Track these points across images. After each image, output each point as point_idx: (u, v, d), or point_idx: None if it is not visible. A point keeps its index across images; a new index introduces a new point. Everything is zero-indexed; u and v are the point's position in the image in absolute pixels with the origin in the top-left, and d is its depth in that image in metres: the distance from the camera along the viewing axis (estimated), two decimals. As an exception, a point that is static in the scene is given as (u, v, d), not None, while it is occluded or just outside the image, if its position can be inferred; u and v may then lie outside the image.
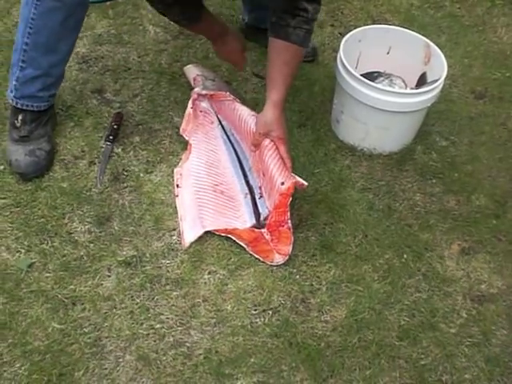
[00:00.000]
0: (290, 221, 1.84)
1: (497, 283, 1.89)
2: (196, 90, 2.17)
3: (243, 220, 1.96)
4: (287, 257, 1.85)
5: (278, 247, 1.87)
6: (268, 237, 1.89)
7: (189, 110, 2.14)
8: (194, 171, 2.05)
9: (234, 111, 2.12)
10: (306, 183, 1.87)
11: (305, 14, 1.75)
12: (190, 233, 1.90)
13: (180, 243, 1.88)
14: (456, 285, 1.87)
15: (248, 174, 2.07)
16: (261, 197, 2.00)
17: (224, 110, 2.19)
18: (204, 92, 2.17)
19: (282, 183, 1.82)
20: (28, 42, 1.91)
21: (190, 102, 2.15)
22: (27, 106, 2.02)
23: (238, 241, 1.88)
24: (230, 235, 1.89)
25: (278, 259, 1.86)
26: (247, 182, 2.05)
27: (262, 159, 1.94)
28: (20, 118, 2.02)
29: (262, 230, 1.90)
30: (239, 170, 2.09)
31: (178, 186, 2.02)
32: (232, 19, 2.71)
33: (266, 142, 1.94)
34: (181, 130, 2.15)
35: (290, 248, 1.85)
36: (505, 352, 1.74)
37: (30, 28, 1.88)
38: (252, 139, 2.00)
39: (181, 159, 2.11)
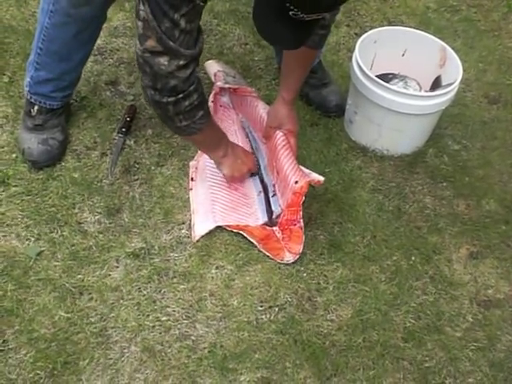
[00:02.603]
0: (301, 220, 1.84)
1: (504, 289, 1.89)
2: (218, 84, 2.18)
3: (255, 217, 1.97)
4: (298, 256, 1.85)
5: (289, 246, 1.87)
6: (279, 235, 1.89)
7: (209, 103, 2.14)
8: (209, 165, 2.05)
9: (255, 108, 2.13)
10: (322, 179, 1.89)
11: (322, 20, 1.73)
12: (201, 226, 1.90)
13: (189, 237, 1.88)
14: (463, 289, 1.87)
15: (263, 171, 2.08)
16: (274, 195, 2.00)
17: (244, 107, 2.20)
18: (227, 86, 2.17)
19: (296, 182, 1.82)
20: (42, 47, 1.92)
21: (212, 95, 2.16)
22: (40, 102, 2.03)
23: (249, 237, 1.88)
24: (241, 231, 1.89)
25: (289, 257, 1.86)
26: (261, 180, 2.06)
27: (277, 158, 1.95)
28: (36, 108, 2.04)
29: (274, 228, 1.91)
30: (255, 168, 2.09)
31: (192, 179, 2.02)
32: (248, 16, 2.70)
33: (280, 139, 1.95)
34: None
35: (301, 247, 1.85)
36: (509, 357, 1.74)
37: (44, 36, 1.90)
38: (263, 132, 2.03)
39: (196, 152, 2.10)
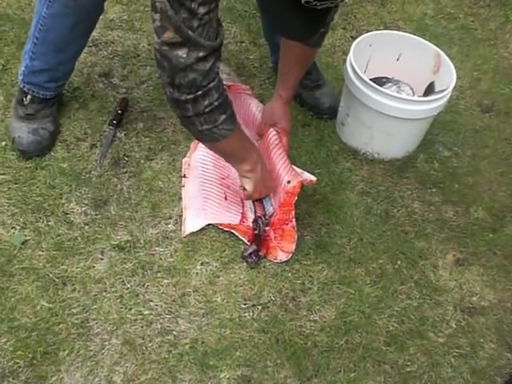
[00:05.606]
0: (294, 219, 1.84)
1: (488, 296, 1.89)
2: None
3: (247, 216, 1.96)
4: (290, 255, 1.85)
5: (282, 245, 1.86)
6: (271, 234, 1.88)
7: None
8: (201, 162, 2.04)
9: (249, 106, 2.12)
10: (314, 178, 1.88)
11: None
12: (192, 222, 1.89)
13: (175, 232, 1.88)
14: (447, 295, 1.87)
15: None
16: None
17: (237, 104, 2.17)
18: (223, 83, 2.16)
19: (289, 182, 1.81)
20: (38, 37, 1.91)
21: None
22: (33, 91, 2.02)
23: (240, 236, 1.88)
24: (233, 230, 1.89)
25: (281, 256, 1.86)
26: None
27: (270, 156, 1.94)
28: (29, 97, 2.03)
29: (266, 228, 1.90)
30: None
31: (184, 175, 2.02)
32: (245, 15, 2.71)
33: (273, 138, 1.94)
34: None
35: (294, 246, 1.85)
36: (491, 366, 1.73)
37: (41, 25, 1.89)
38: (257, 128, 2.02)
39: (188, 147, 2.10)
